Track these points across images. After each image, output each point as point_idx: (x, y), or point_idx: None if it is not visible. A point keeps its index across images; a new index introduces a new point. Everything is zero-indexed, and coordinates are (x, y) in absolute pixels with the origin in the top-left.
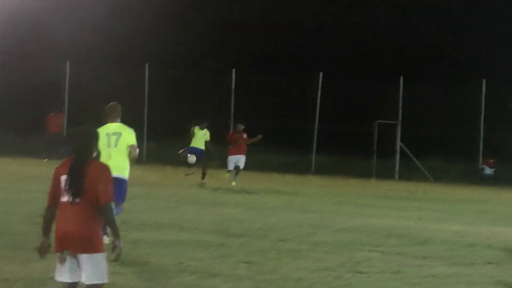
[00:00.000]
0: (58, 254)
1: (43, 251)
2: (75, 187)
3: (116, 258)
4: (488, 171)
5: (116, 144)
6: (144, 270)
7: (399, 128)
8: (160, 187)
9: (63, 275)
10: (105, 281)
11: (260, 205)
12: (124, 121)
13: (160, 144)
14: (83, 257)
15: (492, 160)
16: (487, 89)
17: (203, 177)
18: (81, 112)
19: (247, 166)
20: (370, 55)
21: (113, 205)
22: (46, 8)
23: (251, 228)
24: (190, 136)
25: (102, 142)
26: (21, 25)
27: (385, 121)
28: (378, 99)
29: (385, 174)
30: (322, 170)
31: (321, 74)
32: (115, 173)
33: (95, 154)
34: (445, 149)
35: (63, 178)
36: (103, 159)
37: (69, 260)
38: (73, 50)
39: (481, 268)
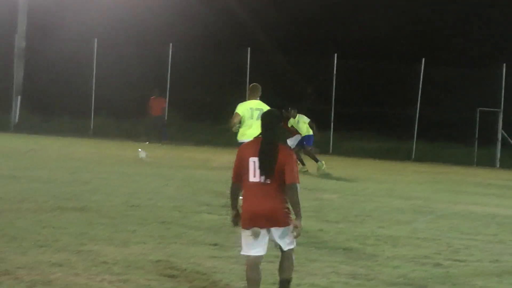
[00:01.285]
0: (249, 230)
1: (235, 221)
2: (267, 169)
3: (297, 235)
4: None
5: (258, 117)
6: (239, 255)
7: (501, 115)
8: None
9: (254, 249)
10: (295, 245)
11: (359, 191)
12: None
13: None
14: (275, 231)
15: None
16: None
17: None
18: (182, 95)
19: (346, 152)
20: (473, 41)
21: (298, 186)
22: None
23: (350, 214)
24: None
25: (246, 114)
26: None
27: (487, 109)
28: (480, 86)
29: (486, 162)
30: (422, 157)
31: (423, 60)
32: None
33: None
34: None
35: (252, 159)
36: (245, 128)
37: (260, 236)
38: (175, 34)
39: None
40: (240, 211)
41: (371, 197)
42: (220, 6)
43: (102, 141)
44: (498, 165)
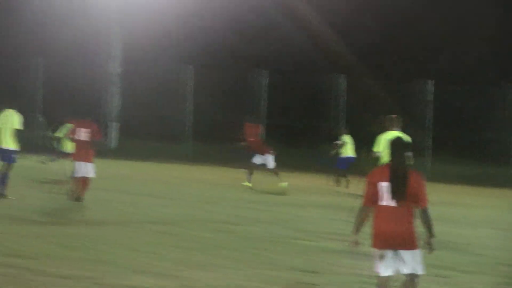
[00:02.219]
0: (379, 251)
1: (355, 246)
2: (399, 193)
3: (430, 252)
4: None
5: None
6: (330, 281)
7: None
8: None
9: (387, 269)
10: (422, 272)
11: (459, 218)
12: None
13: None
14: (406, 253)
15: None
16: None
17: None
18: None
19: (436, 179)
20: None
21: (429, 208)
22: None
23: (448, 240)
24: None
25: (383, 146)
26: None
27: None
28: None
29: None
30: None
31: None
32: None
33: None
34: None
35: (383, 184)
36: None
37: (390, 256)
38: (270, 61)
39: None
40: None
41: (470, 224)
42: (313, 32)
43: (199, 166)
44: None
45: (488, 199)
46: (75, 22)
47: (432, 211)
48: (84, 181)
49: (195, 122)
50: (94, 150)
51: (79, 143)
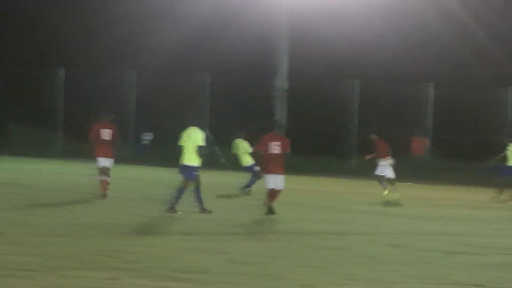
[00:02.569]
0: None
1: None
2: None
3: None
4: None
5: None
6: None
7: None
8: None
9: None
10: None
11: None
12: None
13: None
14: None
15: None
16: None
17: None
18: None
19: None
20: None
21: None
22: None
23: None
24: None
25: None
26: None
27: None
28: None
29: None
30: None
31: None
32: None
33: None
34: None
35: None
36: None
37: None
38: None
39: None
40: None
41: None
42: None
43: (362, 181)
44: None
45: None
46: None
47: None
48: (275, 193)
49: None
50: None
51: (271, 156)
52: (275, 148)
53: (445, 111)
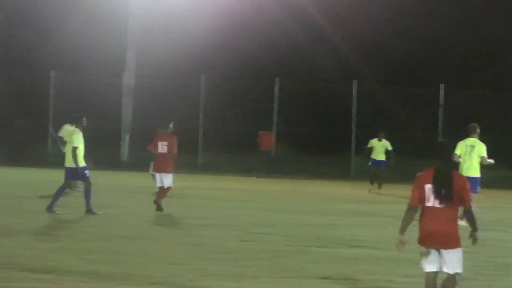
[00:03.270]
0: (424, 249)
1: (401, 246)
2: (443, 195)
3: (474, 242)
4: None
5: (470, 153)
6: (353, 287)
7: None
8: (373, 204)
9: (431, 266)
10: (462, 270)
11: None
12: None
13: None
14: (447, 252)
15: None
16: None
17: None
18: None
19: None
20: None
21: (473, 209)
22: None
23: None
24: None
25: (463, 151)
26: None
27: None
28: None
29: None
30: None
31: None
32: (469, 173)
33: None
34: None
35: (429, 186)
36: (462, 163)
37: (434, 254)
38: (282, 68)
39: None
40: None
41: (487, 227)
42: (324, 39)
43: (210, 176)
44: None
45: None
46: (90, 34)
47: None
48: (164, 191)
49: (205, 132)
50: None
51: (159, 156)
52: (163, 147)
53: (292, 106)
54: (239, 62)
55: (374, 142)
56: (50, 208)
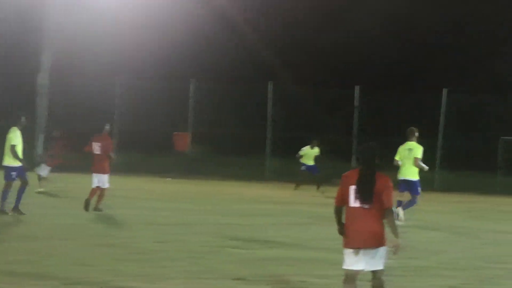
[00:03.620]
0: (349, 248)
1: (341, 232)
2: (365, 196)
3: (396, 252)
4: None
5: (409, 156)
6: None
7: None
8: (288, 204)
9: (355, 265)
10: (383, 267)
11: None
12: None
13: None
14: (371, 251)
15: None
16: None
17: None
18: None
19: None
20: (492, 70)
21: (394, 209)
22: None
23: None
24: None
25: (403, 154)
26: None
27: (510, 138)
28: (503, 115)
29: (509, 190)
30: (445, 187)
31: (445, 90)
32: (407, 176)
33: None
34: None
35: (352, 187)
36: (401, 166)
37: (358, 253)
38: (198, 69)
39: None
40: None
41: (401, 228)
42: (240, 40)
43: (126, 177)
44: None
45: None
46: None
47: None
48: (99, 191)
49: (121, 133)
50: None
51: (95, 157)
52: (97, 149)
53: (208, 106)
54: (154, 63)
55: (306, 149)
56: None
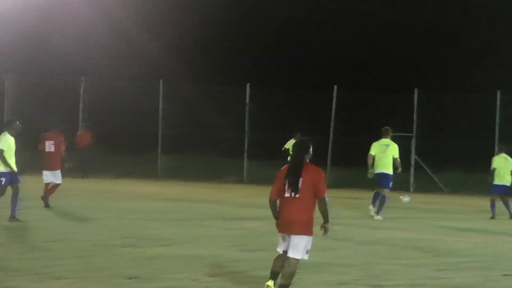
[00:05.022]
0: (281, 234)
1: (276, 218)
2: (293, 186)
3: (325, 233)
4: None
5: (385, 152)
6: (160, 286)
7: (413, 140)
8: (180, 202)
9: (280, 247)
10: (303, 257)
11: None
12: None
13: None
14: (293, 237)
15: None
16: (502, 99)
17: None
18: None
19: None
20: (384, 68)
21: (326, 198)
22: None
23: (272, 242)
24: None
25: (378, 150)
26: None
27: (400, 134)
28: (393, 111)
29: (400, 187)
30: (334, 183)
31: (335, 87)
32: (381, 169)
33: (307, 159)
34: (461, 160)
35: (286, 179)
36: (376, 161)
37: (287, 238)
38: (89, 67)
39: (500, 280)
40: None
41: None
42: (130, 39)
43: (26, 176)
44: (412, 190)
45: None
46: None
47: (257, 213)
48: (52, 188)
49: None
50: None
51: (47, 154)
52: (51, 146)
53: (99, 105)
54: (46, 61)
55: (291, 142)
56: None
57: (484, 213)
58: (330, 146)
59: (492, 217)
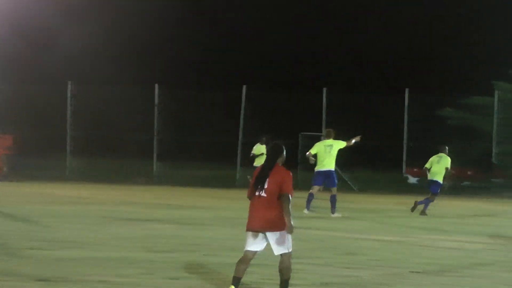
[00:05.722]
0: (250, 232)
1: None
2: (260, 185)
3: (290, 232)
4: (412, 180)
5: (330, 151)
6: None
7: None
8: (89, 204)
9: (251, 246)
10: (290, 250)
11: (190, 220)
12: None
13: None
14: (270, 234)
15: (416, 169)
16: (410, 98)
17: None
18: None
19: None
20: (292, 67)
21: (290, 197)
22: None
23: (180, 243)
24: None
25: (321, 150)
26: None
27: (310, 133)
28: (303, 111)
29: (307, 185)
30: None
31: (244, 87)
32: (327, 167)
33: (280, 162)
34: (369, 159)
35: None
36: (320, 160)
37: (256, 236)
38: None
39: (408, 277)
40: None
41: (203, 226)
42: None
43: None
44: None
45: (215, 200)
46: None
47: (164, 214)
48: None
49: None
50: None
51: None
52: None
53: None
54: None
55: (258, 147)
56: None
57: (394, 211)
58: (239, 147)
59: (423, 212)
